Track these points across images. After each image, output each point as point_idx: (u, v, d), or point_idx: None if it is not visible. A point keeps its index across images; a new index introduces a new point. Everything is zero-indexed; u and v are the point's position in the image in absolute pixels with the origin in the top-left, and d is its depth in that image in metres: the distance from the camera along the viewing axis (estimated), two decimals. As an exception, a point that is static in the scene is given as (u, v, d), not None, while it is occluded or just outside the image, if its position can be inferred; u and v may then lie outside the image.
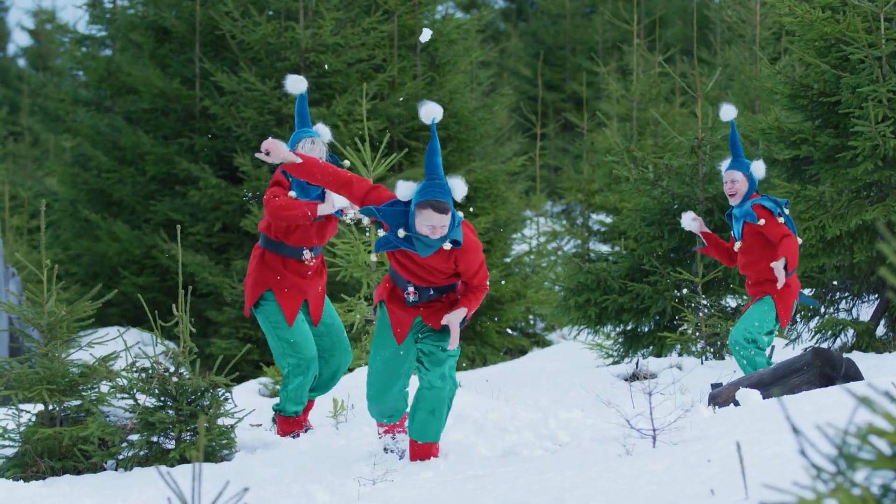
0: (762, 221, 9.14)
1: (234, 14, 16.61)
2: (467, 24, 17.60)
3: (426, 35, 7.86)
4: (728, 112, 9.47)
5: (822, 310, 11.16)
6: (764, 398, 7.47)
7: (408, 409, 7.28)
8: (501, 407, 7.89)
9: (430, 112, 6.80)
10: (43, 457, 7.77)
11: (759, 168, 9.30)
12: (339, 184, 6.86)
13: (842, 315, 11.10)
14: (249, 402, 9.34)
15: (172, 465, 7.68)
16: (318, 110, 15.99)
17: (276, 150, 6.81)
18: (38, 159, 28.67)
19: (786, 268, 9.10)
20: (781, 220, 9.13)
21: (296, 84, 8.12)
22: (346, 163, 8.31)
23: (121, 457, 7.76)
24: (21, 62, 36.79)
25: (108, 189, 17.97)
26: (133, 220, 17.84)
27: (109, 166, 17.84)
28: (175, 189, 17.39)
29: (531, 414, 7.82)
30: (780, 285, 9.08)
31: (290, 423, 8.28)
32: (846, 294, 11.15)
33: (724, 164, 9.40)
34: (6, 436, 7.88)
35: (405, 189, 6.72)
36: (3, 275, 15.00)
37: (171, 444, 7.77)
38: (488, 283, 6.96)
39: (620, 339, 12.34)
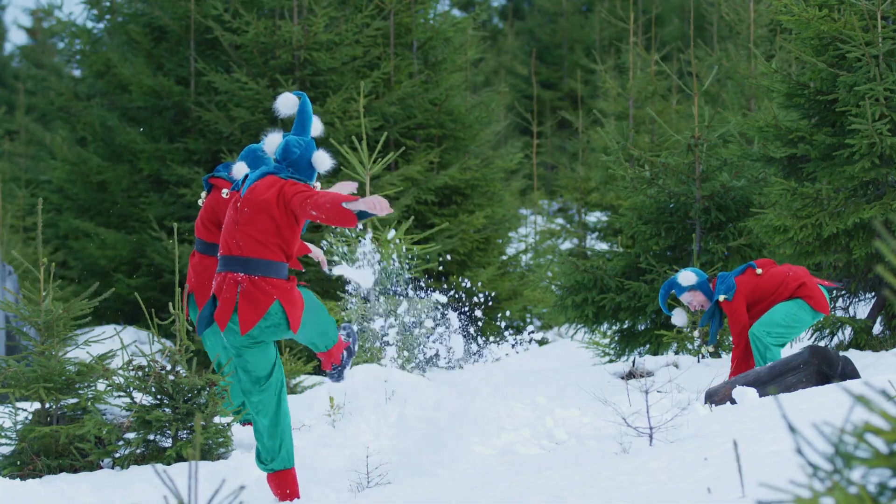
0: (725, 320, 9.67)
1: (224, 17, 16.53)
2: (463, 23, 17.58)
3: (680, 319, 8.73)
4: (678, 318, 9.90)
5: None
6: (760, 396, 7.47)
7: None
8: (498, 405, 7.89)
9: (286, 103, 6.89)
10: (39, 455, 7.77)
11: (679, 316, 9.85)
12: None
13: (839, 313, 11.10)
14: (246, 401, 9.32)
15: (169, 464, 7.67)
16: (312, 108, 15.96)
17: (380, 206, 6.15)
18: (34, 157, 28.64)
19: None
20: (724, 298, 9.37)
21: (287, 104, 8.10)
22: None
23: (117, 455, 7.76)
24: (16, 61, 36.72)
25: (101, 186, 17.93)
26: (125, 219, 17.79)
27: (103, 163, 17.80)
28: (167, 187, 17.35)
29: (528, 412, 7.81)
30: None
31: None
32: (843, 292, 11.15)
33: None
34: (3, 434, 7.87)
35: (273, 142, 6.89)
36: (-1, 273, 14.97)
37: (167, 443, 7.77)
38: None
39: (617, 338, 12.34)
